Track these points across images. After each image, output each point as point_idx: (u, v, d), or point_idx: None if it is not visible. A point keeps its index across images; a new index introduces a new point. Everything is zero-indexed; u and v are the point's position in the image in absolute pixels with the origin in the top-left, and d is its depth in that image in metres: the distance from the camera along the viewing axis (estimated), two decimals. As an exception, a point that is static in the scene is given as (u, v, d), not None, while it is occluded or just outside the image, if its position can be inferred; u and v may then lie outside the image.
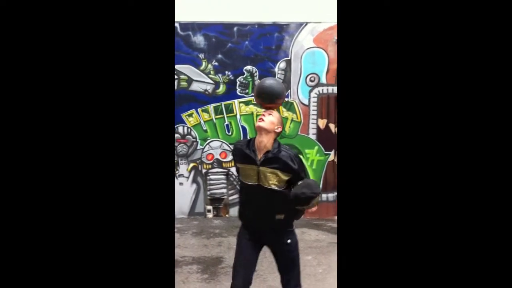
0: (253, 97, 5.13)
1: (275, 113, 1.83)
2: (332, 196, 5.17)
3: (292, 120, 5.15)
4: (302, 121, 5.14)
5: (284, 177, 1.77)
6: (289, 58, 5.13)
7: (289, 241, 1.89)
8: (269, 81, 1.89)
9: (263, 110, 1.89)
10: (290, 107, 5.13)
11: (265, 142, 1.77)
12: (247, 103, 5.14)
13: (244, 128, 5.15)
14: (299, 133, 5.11)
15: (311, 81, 5.12)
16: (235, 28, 5.08)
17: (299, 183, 1.78)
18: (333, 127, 5.26)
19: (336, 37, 5.13)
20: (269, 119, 1.78)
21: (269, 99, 1.83)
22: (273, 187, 1.77)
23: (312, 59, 5.14)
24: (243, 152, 1.82)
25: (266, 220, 1.84)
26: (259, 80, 5.12)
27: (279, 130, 1.84)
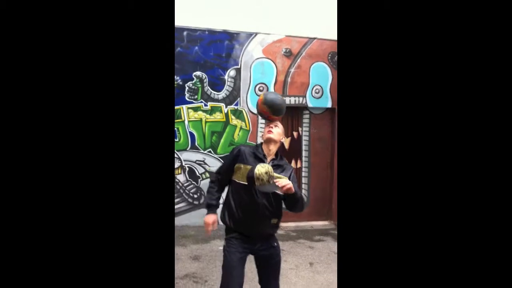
0: (201, 103, 5.06)
1: (280, 125, 2.03)
2: (277, 203, 5.27)
3: (241, 128, 5.18)
4: (251, 129, 5.20)
5: None
6: (239, 66, 5.18)
7: (275, 244, 1.98)
8: (275, 95, 2.04)
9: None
10: (239, 115, 5.16)
11: (273, 150, 1.98)
12: (195, 109, 5.04)
13: (192, 135, 5.03)
14: (247, 141, 5.15)
15: (260, 90, 5.22)
16: (185, 33, 4.99)
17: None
18: (279, 136, 5.41)
19: (284, 49, 5.31)
20: (277, 131, 1.99)
21: (279, 111, 2.00)
22: (278, 190, 1.81)
23: (261, 69, 5.25)
24: (253, 153, 1.93)
25: (262, 224, 1.88)
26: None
27: (283, 140, 2.06)
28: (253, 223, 1.88)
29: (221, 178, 2.01)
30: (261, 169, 1.73)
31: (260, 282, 2.02)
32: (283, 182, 1.74)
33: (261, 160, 1.90)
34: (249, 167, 1.85)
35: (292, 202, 1.87)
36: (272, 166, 1.86)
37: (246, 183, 1.83)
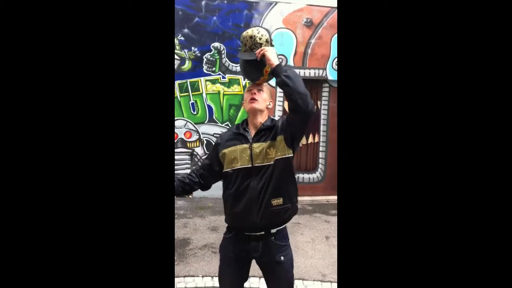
0: (219, 75, 5.00)
1: (264, 88, 1.59)
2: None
3: (259, 101, 5.12)
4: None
5: (283, 143, 1.48)
6: (258, 37, 5.04)
7: (282, 258, 1.50)
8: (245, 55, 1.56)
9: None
10: (257, 88, 5.08)
11: (261, 121, 1.55)
12: (213, 82, 4.99)
13: (210, 108, 5.02)
14: (265, 115, 5.11)
15: (279, 62, 5.10)
16: (203, 2, 4.85)
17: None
18: (298, 110, 5.33)
19: (305, 19, 5.12)
20: (262, 97, 1.55)
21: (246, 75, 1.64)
22: (272, 162, 1.46)
23: (280, 40, 5.10)
24: (233, 133, 1.58)
25: (260, 211, 1.45)
26: (227, 59, 4.99)
27: (271, 106, 1.63)
28: (246, 217, 1.46)
29: (204, 174, 1.64)
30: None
31: None
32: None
33: (243, 136, 1.53)
34: (238, 147, 1.51)
35: (281, 83, 1.38)
36: (258, 132, 1.51)
37: (238, 167, 1.50)
